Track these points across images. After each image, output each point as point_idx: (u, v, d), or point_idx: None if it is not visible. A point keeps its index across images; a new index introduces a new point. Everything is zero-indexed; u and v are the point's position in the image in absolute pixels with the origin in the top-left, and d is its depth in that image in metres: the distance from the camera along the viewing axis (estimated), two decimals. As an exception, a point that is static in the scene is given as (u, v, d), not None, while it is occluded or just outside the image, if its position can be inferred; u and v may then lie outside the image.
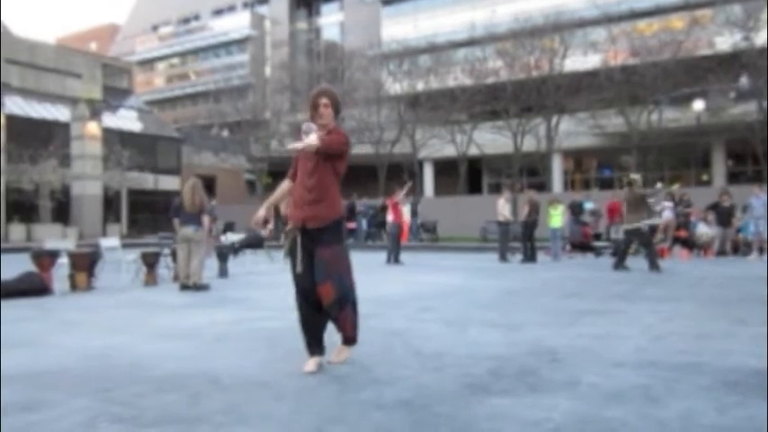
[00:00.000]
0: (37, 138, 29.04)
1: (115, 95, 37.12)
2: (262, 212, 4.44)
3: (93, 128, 29.36)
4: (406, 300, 7.81)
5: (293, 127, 41.02)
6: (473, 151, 32.72)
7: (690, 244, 16.03)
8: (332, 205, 4.18)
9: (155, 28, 61.68)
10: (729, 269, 11.90)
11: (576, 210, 17.16)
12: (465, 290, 9.00)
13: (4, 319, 6.43)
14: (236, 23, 55.28)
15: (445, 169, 36.95)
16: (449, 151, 33.05)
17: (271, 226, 21.90)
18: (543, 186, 31.23)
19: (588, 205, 18.26)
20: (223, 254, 11.87)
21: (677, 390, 3.60)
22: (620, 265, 11.74)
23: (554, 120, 30.30)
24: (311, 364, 4.15)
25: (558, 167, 35.45)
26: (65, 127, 30.20)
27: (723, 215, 15.64)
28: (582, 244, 16.94)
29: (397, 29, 40.24)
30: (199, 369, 4.28)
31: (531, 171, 34.67)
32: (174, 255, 10.32)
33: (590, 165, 38.87)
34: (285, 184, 4.43)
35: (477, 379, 3.91)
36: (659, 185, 18.22)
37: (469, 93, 31.10)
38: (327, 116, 4.20)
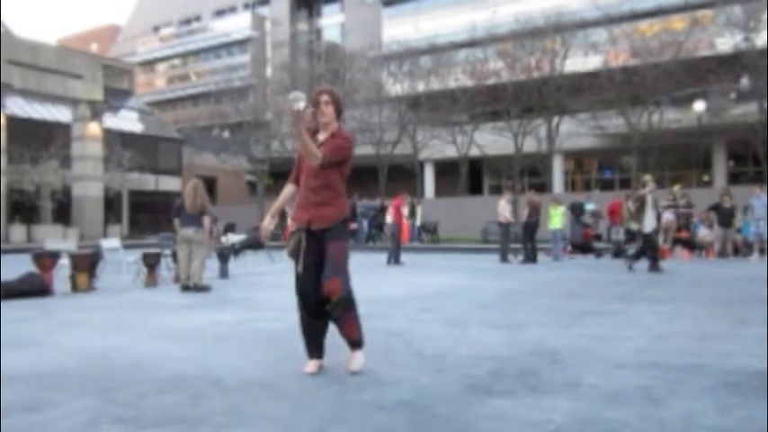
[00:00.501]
0: (38, 139, 29.08)
1: (116, 96, 37.15)
2: (267, 222, 4.38)
3: (94, 129, 29.39)
4: (407, 300, 7.81)
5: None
6: (474, 152, 32.71)
7: (691, 245, 16.04)
8: (337, 206, 4.14)
9: (156, 29, 61.72)
10: (730, 270, 11.89)
11: (576, 211, 17.17)
12: (466, 290, 9.00)
13: (4, 320, 6.44)
14: (237, 24, 55.32)
15: (446, 170, 36.95)
16: (450, 152, 33.05)
17: (271, 226, 21.96)
18: (544, 187, 31.23)
19: (589, 206, 18.27)
20: (224, 255, 11.88)
21: (678, 391, 3.60)
22: (655, 266, 11.49)
23: (555, 121, 30.29)
24: (311, 365, 4.13)
25: (558, 168, 35.44)
26: (66, 128, 30.24)
27: (724, 216, 15.63)
28: (582, 245, 16.95)
29: (398, 30, 40.25)
30: (200, 370, 4.29)
31: (532, 172, 34.66)
32: (174, 256, 10.33)
33: (591, 166, 38.86)
34: (288, 189, 4.36)
35: (478, 380, 3.91)
36: (676, 188, 18.26)
37: (470, 94, 31.09)
38: (329, 114, 4.14)
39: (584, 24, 31.28)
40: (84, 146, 29.11)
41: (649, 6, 33.31)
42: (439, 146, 32.53)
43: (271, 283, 10.77)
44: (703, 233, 16.04)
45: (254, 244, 16.17)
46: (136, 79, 46.14)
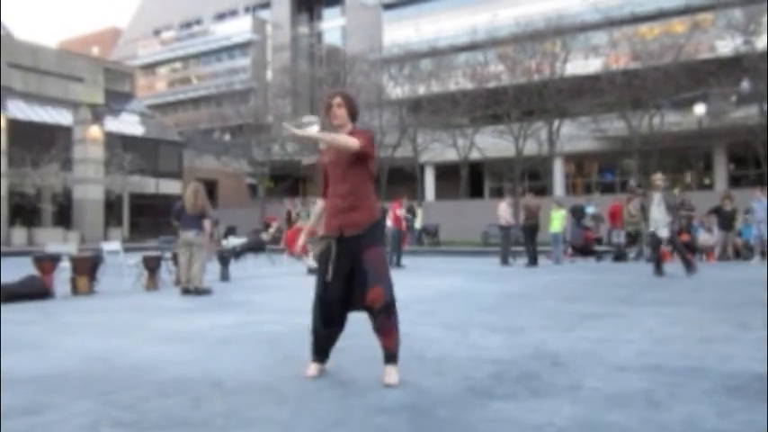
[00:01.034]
0: (39, 141, 29.13)
1: (117, 99, 37.20)
2: (302, 242, 4.34)
3: (95, 132, 29.44)
4: (408, 303, 7.80)
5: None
6: (475, 155, 32.72)
7: (691, 248, 16.02)
8: (367, 209, 4.01)
9: (157, 32, 61.81)
10: (731, 273, 11.89)
11: (577, 214, 17.18)
12: (467, 293, 9.00)
13: (5, 323, 6.44)
14: (238, 28, 55.40)
15: (447, 173, 36.96)
16: (450, 155, 33.06)
17: (272, 230, 21.92)
18: (545, 190, 31.22)
19: (590, 209, 18.28)
20: (224, 257, 11.88)
21: (679, 394, 3.59)
22: (659, 270, 11.32)
23: (555, 123, 30.30)
24: (313, 369, 4.10)
25: (559, 171, 35.44)
26: (67, 131, 30.29)
27: (725, 219, 15.63)
28: (583, 248, 16.95)
29: (399, 33, 40.29)
30: (201, 373, 4.28)
31: (533, 175, 34.67)
32: (175, 259, 10.33)
33: (591, 168, 38.86)
34: (320, 205, 4.26)
35: (479, 383, 3.91)
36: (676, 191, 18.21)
37: (471, 97, 31.11)
38: (341, 116, 4.08)
39: (585, 27, 31.33)
40: (85, 149, 29.15)
41: (650, 9, 33.35)
42: (439, 149, 32.56)
43: (272, 286, 10.77)
44: (704, 236, 16.04)
45: (254, 247, 16.20)
46: (137, 82, 46.19)
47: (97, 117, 29.58)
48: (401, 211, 15.59)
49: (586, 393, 3.63)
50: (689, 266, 11.00)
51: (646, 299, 8.11)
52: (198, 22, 59.84)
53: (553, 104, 29.36)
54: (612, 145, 31.92)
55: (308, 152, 38.88)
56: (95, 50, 61.36)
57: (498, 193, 36.12)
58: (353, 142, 3.90)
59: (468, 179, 34.78)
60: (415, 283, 10.64)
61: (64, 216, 29.63)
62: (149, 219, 34.78)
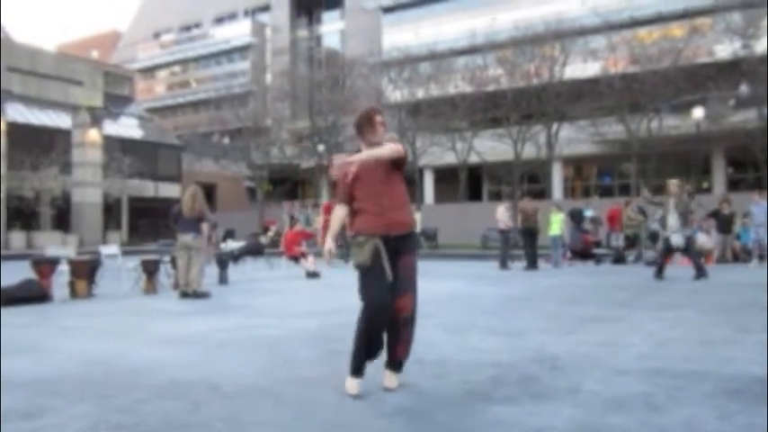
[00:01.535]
0: (38, 145, 29.11)
1: (116, 103, 37.20)
2: (330, 245, 4.02)
3: (93, 135, 29.43)
4: (407, 307, 7.79)
5: (293, 134, 41.11)
6: (473, 159, 32.72)
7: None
8: (410, 213, 3.96)
9: (156, 35, 61.85)
10: (730, 276, 11.88)
11: (576, 217, 17.18)
12: (466, 297, 8.99)
13: (4, 326, 6.42)
14: (238, 31, 55.45)
15: (446, 177, 36.95)
16: (449, 159, 33.06)
17: (271, 233, 21.90)
18: (543, 193, 31.24)
19: (588, 213, 18.28)
20: (223, 261, 11.87)
21: (679, 397, 3.59)
22: (660, 274, 11.25)
23: (554, 127, 30.31)
24: (356, 386, 3.76)
25: (558, 175, 35.45)
26: (66, 134, 30.28)
27: (723, 222, 15.64)
28: (582, 251, 16.95)
29: (398, 36, 40.32)
30: (199, 376, 4.28)
31: (532, 178, 34.68)
32: (173, 262, 10.32)
33: (590, 172, 38.87)
34: (341, 211, 4.00)
35: (479, 386, 3.90)
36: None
37: (470, 100, 31.12)
38: (380, 135, 3.91)
39: (584, 31, 31.34)
40: (84, 152, 29.14)
41: (649, 13, 33.40)
42: (438, 152, 32.55)
43: (270, 289, 10.77)
44: (702, 239, 16.04)
45: (253, 250, 16.18)
46: (136, 86, 46.20)
47: (96, 120, 29.57)
48: None
49: (586, 397, 3.63)
50: (700, 272, 10.96)
51: (646, 302, 8.10)
52: (197, 25, 59.88)
53: (552, 108, 29.37)
54: (611, 148, 31.93)
55: (306, 156, 38.91)
56: (95, 54, 61.30)
57: (497, 197, 36.13)
58: (397, 148, 3.84)
59: (467, 183, 34.77)
60: (415, 287, 10.61)
61: (63, 219, 29.61)
62: (148, 222, 34.73)
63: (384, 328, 3.82)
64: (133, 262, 10.98)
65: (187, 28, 60.16)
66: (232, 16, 58.15)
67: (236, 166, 39.76)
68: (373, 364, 3.95)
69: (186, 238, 9.45)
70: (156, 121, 45.01)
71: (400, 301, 3.79)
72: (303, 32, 55.32)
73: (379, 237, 3.77)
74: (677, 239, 11.15)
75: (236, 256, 15.00)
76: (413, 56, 35.56)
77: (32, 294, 8.72)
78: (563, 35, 30.31)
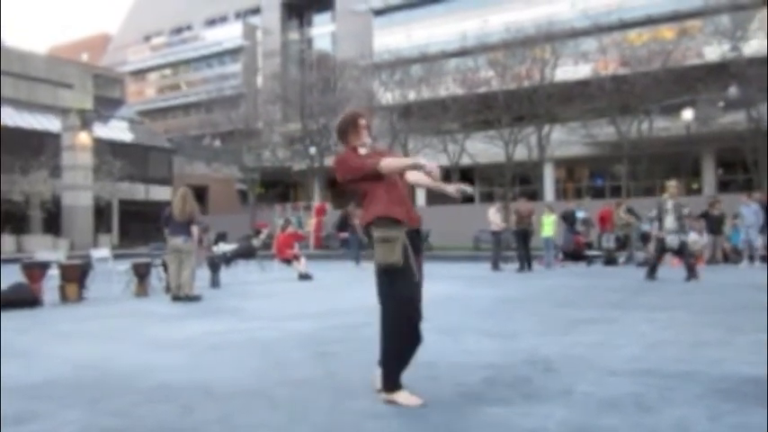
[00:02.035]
0: (28, 148, 28.96)
1: (107, 105, 37.06)
2: (426, 161, 3.59)
3: (84, 138, 29.28)
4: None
5: (285, 137, 41.08)
6: (465, 161, 32.80)
7: (681, 252, 16.08)
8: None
9: (147, 38, 61.67)
10: (721, 277, 11.95)
11: (568, 219, 17.21)
12: (459, 299, 9.00)
13: (-6, 331, 6.38)
14: (229, 34, 55.37)
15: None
16: (441, 161, 33.09)
17: (262, 236, 21.86)
18: (535, 195, 31.30)
19: (580, 214, 18.33)
20: (215, 264, 11.83)
21: (671, 398, 3.61)
22: (652, 274, 11.27)
23: (545, 129, 30.42)
24: (414, 396, 3.55)
25: (549, 176, 35.56)
26: (56, 137, 30.12)
27: (713, 223, 15.73)
28: (574, 252, 16.98)
29: (389, 39, 40.35)
30: (192, 379, 4.26)
31: (524, 180, 34.77)
32: (165, 265, 10.28)
33: (582, 174, 39.01)
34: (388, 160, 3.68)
35: (472, 388, 3.91)
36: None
37: (461, 102, 31.20)
38: (364, 139, 3.84)
39: (575, 33, 31.47)
40: (75, 155, 28.99)
41: (638, 16, 33.58)
42: (430, 154, 32.58)
43: (262, 292, 10.74)
44: (693, 237, 16.11)
45: (245, 253, 16.14)
46: (126, 88, 46.06)
47: (86, 123, 29.40)
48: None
49: (579, 398, 3.64)
50: (692, 273, 11.02)
51: (637, 303, 8.13)
52: (188, 27, 59.76)
53: (543, 110, 29.48)
54: (602, 150, 32.07)
55: (298, 158, 38.88)
56: (85, 56, 61.11)
57: (489, 199, 36.18)
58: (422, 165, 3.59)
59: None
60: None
61: (53, 223, 29.44)
62: (139, 225, 34.58)
63: (417, 328, 3.60)
64: (124, 265, 10.93)
65: (178, 30, 60.03)
66: (223, 19, 58.08)
67: (227, 169, 39.69)
68: (364, 368, 3.95)
69: (176, 241, 9.40)
70: (146, 123, 44.86)
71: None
72: (294, 35, 55.30)
73: (407, 231, 3.56)
74: (672, 240, 11.22)
75: (228, 259, 14.96)
76: (404, 58, 35.60)
77: (22, 298, 8.66)
78: (554, 37, 30.44)
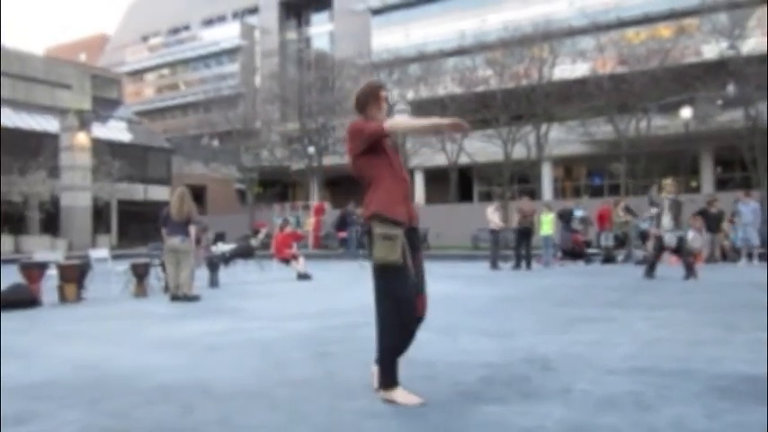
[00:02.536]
0: (26, 149, 28.92)
1: (105, 106, 37.02)
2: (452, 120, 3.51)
3: (82, 139, 29.24)
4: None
5: (283, 137, 41.07)
6: (463, 160, 32.80)
7: (679, 250, 16.10)
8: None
9: (144, 38, 61.62)
10: (719, 275, 11.97)
11: (565, 217, 17.22)
12: (457, 297, 9.00)
13: (-7, 332, 6.38)
14: (226, 33, 55.34)
15: (436, 178, 37.00)
16: (439, 160, 33.11)
17: (261, 235, 21.85)
18: (534, 194, 31.32)
19: (578, 213, 18.35)
20: (214, 264, 11.83)
21: (669, 396, 3.62)
22: (650, 272, 11.31)
23: (544, 128, 30.43)
24: (413, 396, 3.56)
25: (548, 175, 35.57)
26: (54, 138, 30.08)
27: (711, 221, 15.74)
28: (573, 251, 17.00)
29: (387, 38, 40.35)
30: (191, 380, 4.26)
31: (522, 179, 34.78)
32: (163, 265, 10.28)
33: (580, 172, 39.04)
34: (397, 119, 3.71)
35: (470, 387, 3.91)
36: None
37: (459, 101, 31.18)
38: (384, 111, 3.73)
39: (572, 32, 31.50)
40: (73, 156, 28.96)
41: (636, 14, 33.62)
42: (429, 154, 32.61)
43: (261, 292, 10.74)
44: (692, 235, 16.13)
45: (243, 253, 16.14)
46: (124, 89, 46.04)
47: (84, 124, 29.36)
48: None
49: (577, 396, 3.65)
50: (690, 272, 11.03)
51: (636, 302, 8.14)
52: (186, 27, 59.70)
53: (541, 109, 29.49)
54: (600, 149, 32.08)
55: (296, 158, 38.86)
56: (83, 57, 61.05)
57: (487, 197, 36.22)
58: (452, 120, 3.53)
59: (458, 183, 34.84)
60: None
61: (51, 223, 29.41)
62: (138, 226, 34.53)
63: (415, 325, 3.63)
64: (123, 266, 10.92)
65: (175, 31, 59.97)
66: (221, 19, 58.04)
67: (226, 169, 39.67)
68: (363, 367, 3.95)
69: (174, 241, 9.40)
70: (145, 124, 44.82)
71: (421, 301, 3.67)
72: (292, 34, 55.27)
73: (404, 228, 3.54)
74: (670, 238, 11.24)
75: (227, 259, 14.96)
76: (402, 57, 35.61)
77: (21, 299, 8.66)
78: (551, 36, 30.46)
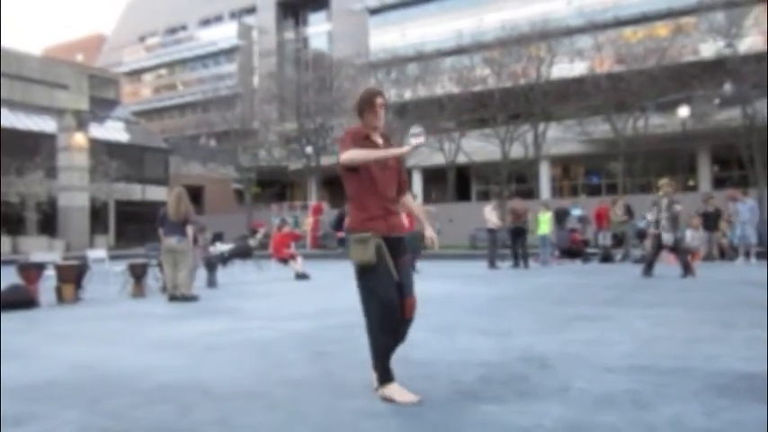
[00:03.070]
0: (23, 149, 28.88)
1: (102, 106, 36.98)
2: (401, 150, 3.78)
3: (79, 139, 29.21)
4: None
5: (281, 136, 41.03)
6: (461, 159, 32.82)
7: (676, 249, 16.11)
8: (403, 218, 3.99)
9: (142, 38, 61.53)
10: (717, 273, 11.99)
11: (561, 217, 17.24)
12: (455, 297, 9.01)
13: (-9, 333, 6.37)
14: (224, 33, 55.28)
15: (434, 177, 37.03)
16: (437, 159, 33.13)
17: (259, 235, 21.84)
18: (531, 193, 31.36)
19: (576, 212, 18.36)
20: (212, 264, 11.83)
21: (667, 394, 3.62)
22: (648, 271, 11.36)
23: (541, 127, 30.46)
24: (404, 391, 3.61)
25: (545, 174, 35.60)
26: (51, 138, 30.05)
27: (709, 220, 15.77)
28: (570, 250, 17.02)
29: (385, 38, 40.37)
30: (189, 380, 4.26)
31: (520, 178, 34.81)
32: (161, 266, 10.27)
33: (578, 171, 39.07)
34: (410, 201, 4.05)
35: (468, 386, 3.92)
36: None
37: (457, 101, 31.21)
38: (381, 118, 3.82)
39: (570, 31, 31.52)
40: (70, 156, 28.92)
41: (633, 13, 33.64)
42: (426, 153, 32.62)
43: (259, 292, 10.74)
44: (690, 234, 16.15)
45: (241, 253, 16.13)
46: (122, 89, 45.99)
47: (82, 124, 29.32)
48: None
49: (575, 395, 3.66)
50: (687, 270, 11.07)
51: (633, 300, 8.15)
52: (183, 28, 59.63)
53: (539, 108, 29.52)
54: (598, 148, 32.12)
55: (294, 158, 38.83)
56: (80, 57, 60.96)
57: (485, 197, 36.24)
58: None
59: (455, 183, 34.85)
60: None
61: (49, 224, 29.38)
62: (135, 226, 34.52)
63: (399, 324, 3.67)
64: (121, 266, 10.91)
65: (173, 31, 59.90)
66: (218, 19, 57.97)
67: (223, 169, 39.63)
68: (361, 367, 3.95)
69: (171, 241, 9.39)
70: (142, 124, 44.79)
71: (409, 303, 3.71)
72: (290, 34, 55.23)
73: (380, 237, 3.65)
74: (668, 237, 11.28)
75: (225, 259, 14.95)
76: (400, 57, 35.61)
77: (19, 300, 8.65)
78: (549, 35, 30.48)
